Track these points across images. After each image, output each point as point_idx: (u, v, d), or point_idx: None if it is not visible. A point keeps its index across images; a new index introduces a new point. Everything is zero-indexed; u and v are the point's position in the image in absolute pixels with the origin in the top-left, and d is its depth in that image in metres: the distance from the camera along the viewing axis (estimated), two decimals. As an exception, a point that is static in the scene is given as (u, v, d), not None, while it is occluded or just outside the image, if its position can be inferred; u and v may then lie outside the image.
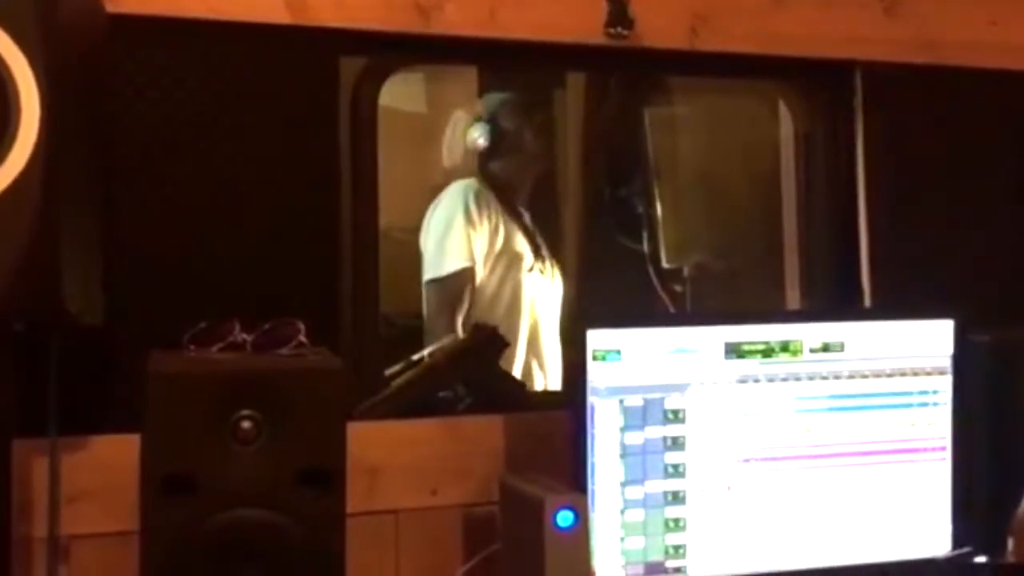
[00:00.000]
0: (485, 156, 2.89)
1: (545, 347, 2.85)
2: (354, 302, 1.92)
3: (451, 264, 2.77)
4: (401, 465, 1.86)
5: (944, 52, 2.20)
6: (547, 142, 3.07)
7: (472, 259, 2.77)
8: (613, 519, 1.75)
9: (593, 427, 1.74)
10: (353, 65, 1.93)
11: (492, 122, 2.88)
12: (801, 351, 1.83)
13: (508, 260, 2.81)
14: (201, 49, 1.78)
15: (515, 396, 2.04)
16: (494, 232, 2.80)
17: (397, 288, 2.67)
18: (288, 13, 1.81)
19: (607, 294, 2.98)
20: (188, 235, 1.77)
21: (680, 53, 2.07)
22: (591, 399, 1.74)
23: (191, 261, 1.77)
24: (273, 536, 1.43)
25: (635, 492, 1.76)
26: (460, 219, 2.78)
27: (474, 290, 2.77)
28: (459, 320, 2.74)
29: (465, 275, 2.77)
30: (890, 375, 1.87)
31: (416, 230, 2.89)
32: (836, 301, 2.20)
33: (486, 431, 1.91)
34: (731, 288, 2.79)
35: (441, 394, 2.04)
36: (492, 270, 2.79)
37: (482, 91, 3.07)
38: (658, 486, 1.77)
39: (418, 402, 1.98)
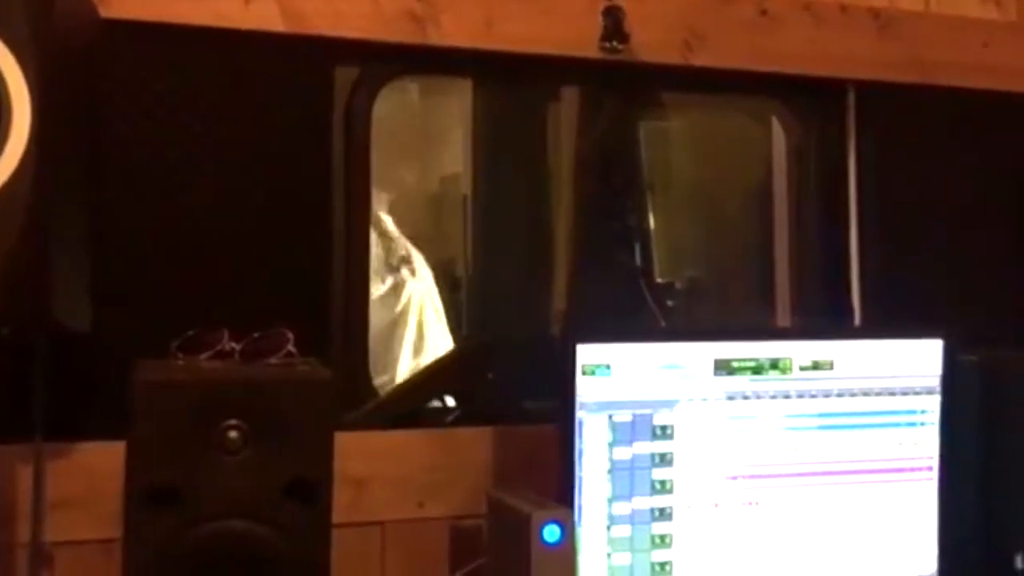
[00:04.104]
0: None
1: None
2: (344, 312, 1.92)
3: None
4: (388, 476, 1.85)
5: (937, 73, 2.21)
6: None
7: None
8: (600, 535, 1.75)
9: (581, 442, 1.73)
10: (348, 75, 1.93)
11: None
12: (791, 369, 1.83)
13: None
14: (195, 55, 1.78)
15: (504, 408, 2.04)
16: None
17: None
18: (283, 21, 1.81)
19: (598, 308, 2.97)
20: (178, 242, 1.77)
21: (674, 68, 2.07)
22: (580, 414, 1.73)
23: (180, 268, 1.76)
24: (258, 547, 1.42)
25: (622, 508, 1.76)
26: None
27: None
28: None
29: None
30: (879, 394, 1.87)
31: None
32: (826, 319, 2.21)
33: (474, 443, 1.91)
34: (723, 303, 2.78)
35: (429, 405, 2.03)
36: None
37: (476, 104, 3.08)
38: (645, 502, 1.77)
39: (407, 413, 1.98)
